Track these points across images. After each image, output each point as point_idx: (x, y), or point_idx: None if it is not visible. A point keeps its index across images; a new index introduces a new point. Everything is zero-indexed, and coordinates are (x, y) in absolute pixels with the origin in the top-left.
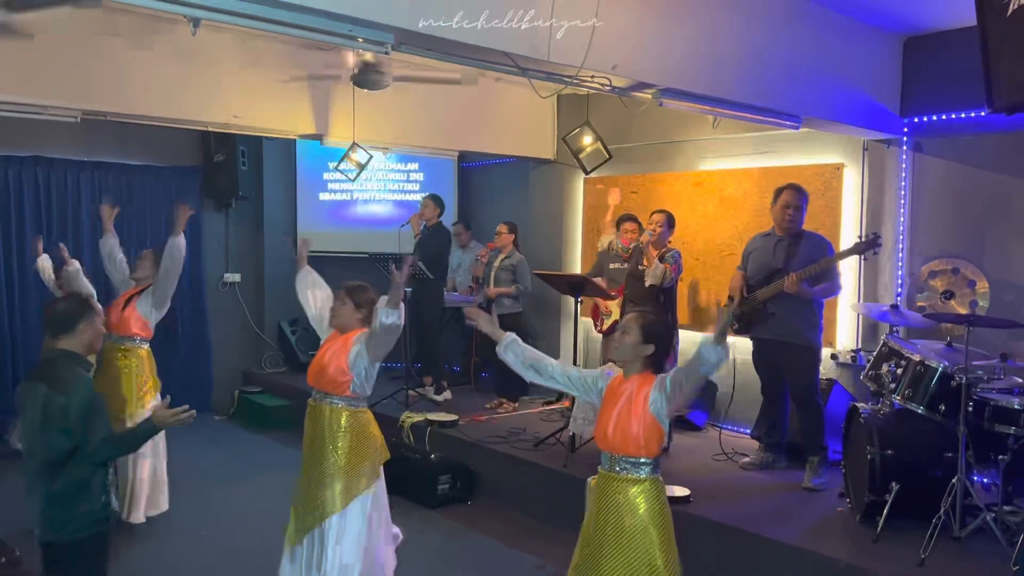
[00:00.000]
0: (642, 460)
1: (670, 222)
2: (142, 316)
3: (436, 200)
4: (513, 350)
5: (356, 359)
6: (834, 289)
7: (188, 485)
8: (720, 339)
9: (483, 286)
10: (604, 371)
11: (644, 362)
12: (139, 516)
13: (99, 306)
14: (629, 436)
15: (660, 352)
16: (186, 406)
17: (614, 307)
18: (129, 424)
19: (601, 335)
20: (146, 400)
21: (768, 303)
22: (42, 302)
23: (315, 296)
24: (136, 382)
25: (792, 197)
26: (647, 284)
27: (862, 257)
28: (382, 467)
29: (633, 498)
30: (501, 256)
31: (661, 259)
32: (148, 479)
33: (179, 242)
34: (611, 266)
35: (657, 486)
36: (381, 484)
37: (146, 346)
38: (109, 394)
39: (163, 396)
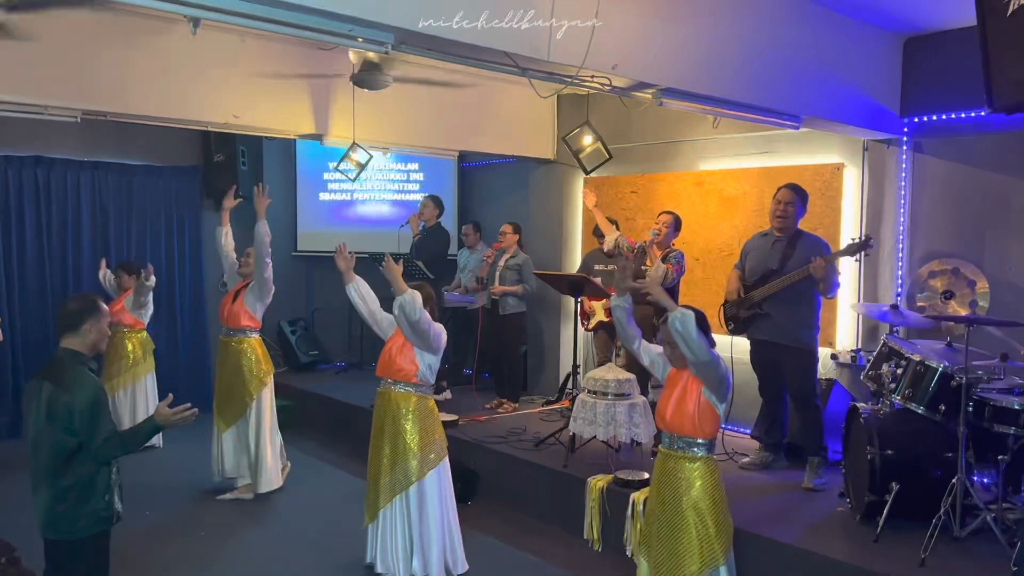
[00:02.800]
0: (698, 440)
1: (676, 224)
2: (249, 309)
3: (436, 201)
4: (626, 319)
5: (421, 352)
6: (836, 286)
7: (189, 485)
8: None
9: (488, 286)
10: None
11: None
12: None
13: (106, 307)
14: (686, 418)
15: (707, 337)
16: (188, 404)
17: (598, 306)
18: (252, 408)
19: (590, 333)
20: (264, 385)
21: (764, 304)
22: (42, 301)
23: (377, 320)
24: (253, 370)
25: (784, 194)
26: None
27: (859, 257)
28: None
29: (689, 474)
30: (506, 256)
31: (664, 259)
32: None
33: (261, 227)
34: (596, 267)
35: (711, 464)
36: (447, 459)
37: (256, 335)
38: (230, 383)
39: (163, 396)
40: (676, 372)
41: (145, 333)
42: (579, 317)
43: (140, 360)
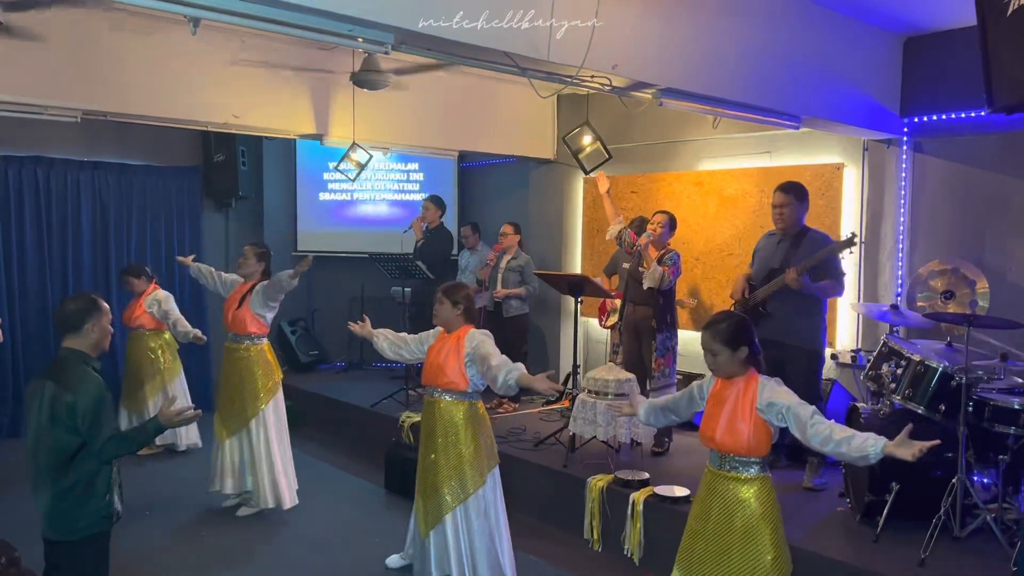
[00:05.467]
0: (752, 459)
1: (671, 224)
2: (257, 315)
3: (437, 202)
4: (652, 415)
5: (470, 363)
6: (836, 288)
7: (191, 487)
8: (886, 453)
9: (489, 289)
10: (708, 377)
11: (744, 363)
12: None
13: (106, 305)
14: (740, 438)
15: (752, 345)
16: (191, 405)
17: (619, 303)
18: (259, 419)
19: (608, 329)
20: (272, 396)
21: (767, 303)
22: (42, 301)
23: (410, 349)
24: (260, 381)
25: (778, 197)
26: (645, 287)
27: (848, 252)
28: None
29: (744, 496)
30: (507, 257)
31: (660, 261)
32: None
33: (290, 280)
34: (624, 265)
35: (767, 484)
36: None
37: (264, 341)
38: (234, 392)
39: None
40: (722, 386)
41: (168, 334)
42: (599, 312)
43: (170, 363)
